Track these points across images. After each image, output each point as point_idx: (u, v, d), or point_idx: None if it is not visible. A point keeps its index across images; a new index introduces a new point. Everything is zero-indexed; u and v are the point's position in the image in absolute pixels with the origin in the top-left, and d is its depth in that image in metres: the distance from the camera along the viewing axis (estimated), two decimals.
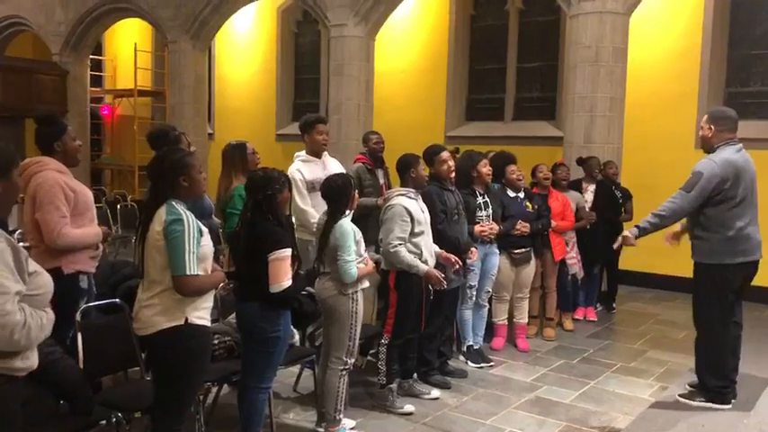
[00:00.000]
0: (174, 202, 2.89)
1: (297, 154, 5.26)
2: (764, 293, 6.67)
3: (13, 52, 13.94)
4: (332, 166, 5.18)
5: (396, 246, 4.17)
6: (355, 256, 3.78)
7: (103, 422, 3.04)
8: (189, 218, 2.85)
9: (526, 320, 5.87)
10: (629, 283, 7.90)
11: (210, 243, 2.98)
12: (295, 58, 12.34)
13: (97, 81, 14.41)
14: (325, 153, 5.25)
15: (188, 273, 2.79)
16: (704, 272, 4.35)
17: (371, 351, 4.70)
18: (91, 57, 13.49)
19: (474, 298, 5.23)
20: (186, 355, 2.89)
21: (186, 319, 2.87)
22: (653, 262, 7.75)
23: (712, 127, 4.35)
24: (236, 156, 4.87)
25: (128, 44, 13.71)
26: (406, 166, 4.41)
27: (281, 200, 3.45)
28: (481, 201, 5.16)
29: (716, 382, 4.40)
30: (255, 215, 3.41)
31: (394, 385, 4.41)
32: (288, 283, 3.34)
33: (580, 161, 6.87)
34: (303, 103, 12.18)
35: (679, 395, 4.57)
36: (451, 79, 10.19)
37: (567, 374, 5.21)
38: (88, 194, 3.76)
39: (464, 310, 5.22)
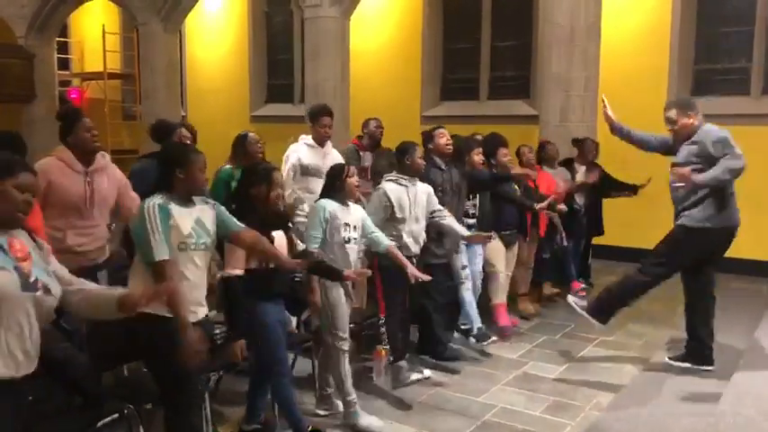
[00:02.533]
0: (156, 194, 2.97)
1: (303, 136, 5.51)
2: (735, 264, 6.92)
3: None
4: (332, 155, 5.42)
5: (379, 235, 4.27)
6: (336, 237, 3.91)
7: (116, 415, 3.10)
8: (151, 206, 2.90)
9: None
10: (603, 257, 8.07)
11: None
12: (267, 39, 12.25)
13: (64, 64, 14.14)
14: (329, 143, 5.46)
15: (159, 258, 2.85)
16: (688, 235, 4.57)
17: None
18: (57, 39, 13.22)
19: (470, 278, 5.32)
20: (157, 343, 2.92)
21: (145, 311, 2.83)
22: (624, 235, 7.96)
23: (690, 113, 4.56)
24: (237, 145, 5.05)
25: (95, 26, 13.47)
26: (402, 152, 4.55)
27: (257, 193, 3.53)
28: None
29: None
30: (237, 206, 3.54)
31: (404, 362, 4.56)
32: (236, 272, 3.36)
33: (575, 142, 7.00)
34: (277, 84, 12.14)
35: (667, 357, 4.91)
36: (426, 59, 10.24)
37: (550, 350, 5.40)
38: (68, 191, 3.73)
39: (464, 291, 5.30)
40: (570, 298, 4.99)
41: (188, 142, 4.73)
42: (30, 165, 2.41)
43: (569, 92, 7.50)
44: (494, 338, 5.35)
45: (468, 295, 5.34)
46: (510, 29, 9.77)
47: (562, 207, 6.14)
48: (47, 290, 2.28)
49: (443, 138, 5.00)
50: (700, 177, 4.38)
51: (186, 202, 3.04)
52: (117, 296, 2.36)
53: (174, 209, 2.96)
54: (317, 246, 3.89)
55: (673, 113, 4.62)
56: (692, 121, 4.56)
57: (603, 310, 4.81)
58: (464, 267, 5.28)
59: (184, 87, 12.61)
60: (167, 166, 3.05)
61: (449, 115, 9.88)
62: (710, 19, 8.39)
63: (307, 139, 5.46)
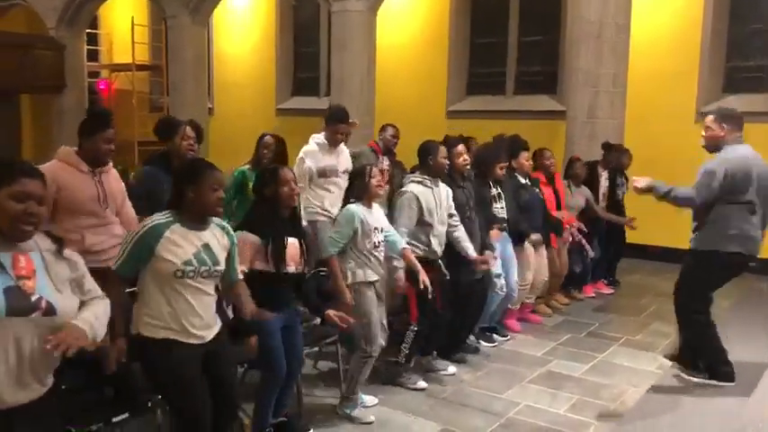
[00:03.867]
0: (167, 212, 2.86)
1: (314, 135, 5.43)
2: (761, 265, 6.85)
3: (5, 27, 13.79)
4: (345, 154, 5.44)
5: (402, 239, 4.26)
6: (368, 242, 3.92)
7: (144, 405, 3.16)
8: (147, 224, 2.81)
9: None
10: (627, 256, 8.01)
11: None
12: (294, 32, 12.29)
13: (93, 55, 14.31)
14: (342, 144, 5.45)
15: (113, 266, 2.81)
16: (698, 258, 4.49)
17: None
18: (86, 31, 13.39)
19: (504, 289, 5.23)
20: (151, 368, 2.87)
21: (138, 332, 2.84)
22: (650, 234, 7.89)
23: (725, 126, 4.39)
24: (256, 146, 5.18)
25: (124, 18, 13.60)
26: (425, 152, 4.49)
27: (270, 193, 3.46)
28: (495, 192, 5.23)
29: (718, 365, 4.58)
30: (255, 211, 3.55)
31: (410, 364, 4.56)
32: (241, 267, 3.24)
33: (606, 146, 6.93)
34: (303, 78, 12.18)
35: (683, 373, 4.70)
36: (452, 53, 10.22)
37: (575, 348, 5.38)
38: (81, 193, 3.65)
39: (492, 297, 5.25)
40: (684, 375, 4.67)
41: (191, 142, 4.51)
42: (36, 169, 2.21)
43: (597, 88, 7.45)
44: (496, 343, 5.37)
45: (494, 301, 5.27)
46: (537, 24, 9.70)
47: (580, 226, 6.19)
48: (50, 309, 2.11)
49: (461, 157, 4.79)
50: (663, 189, 4.37)
51: (198, 223, 2.88)
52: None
53: (177, 231, 2.82)
54: (335, 251, 3.89)
55: (710, 119, 4.47)
56: (720, 132, 4.39)
57: (715, 367, 4.57)
58: (498, 276, 5.17)
59: (211, 80, 12.70)
60: (179, 182, 2.91)
61: (474, 110, 9.88)
62: (742, 16, 8.27)
63: (318, 138, 5.38)
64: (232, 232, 3.07)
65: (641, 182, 4.42)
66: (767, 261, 5.77)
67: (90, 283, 2.37)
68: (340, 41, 9.39)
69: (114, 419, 3.02)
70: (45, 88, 12.75)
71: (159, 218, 2.85)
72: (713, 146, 4.46)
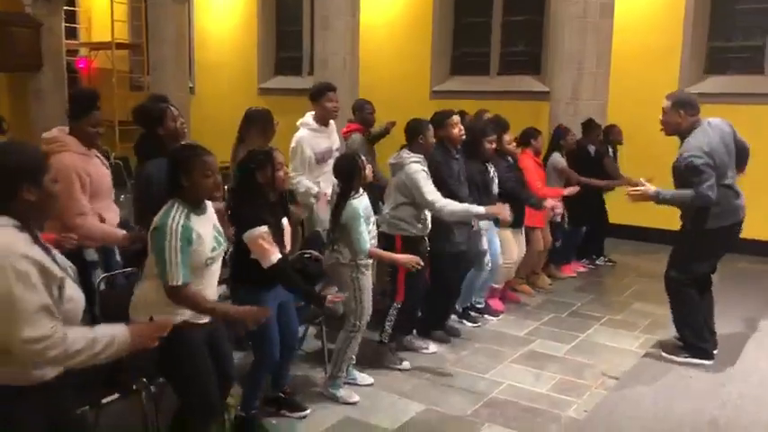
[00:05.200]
0: (175, 204, 2.84)
1: (302, 121, 5.29)
2: (742, 245, 6.92)
3: None
4: (335, 131, 5.28)
5: (441, 203, 4.26)
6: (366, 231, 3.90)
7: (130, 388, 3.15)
8: (175, 225, 2.76)
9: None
10: (608, 236, 8.04)
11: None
12: (276, 10, 12.14)
13: (72, 33, 14.05)
14: (332, 122, 5.31)
15: (173, 283, 2.73)
16: (692, 237, 4.56)
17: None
18: (64, 8, 13.12)
19: (490, 265, 5.25)
20: (167, 351, 2.77)
21: (151, 318, 2.79)
22: (632, 215, 7.94)
23: (681, 112, 4.48)
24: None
25: None
26: (415, 131, 4.44)
27: (263, 177, 3.39)
28: (491, 172, 5.20)
29: (695, 341, 4.66)
30: (237, 194, 3.53)
31: (393, 344, 4.59)
32: (276, 257, 3.28)
33: (586, 124, 6.99)
34: (285, 57, 12.05)
35: (663, 352, 4.80)
36: (437, 33, 10.14)
37: (557, 328, 5.43)
38: (105, 177, 3.77)
39: (476, 276, 5.27)
40: (664, 354, 4.75)
41: (182, 120, 4.14)
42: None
43: (581, 69, 7.45)
44: (480, 324, 5.39)
45: (477, 280, 5.29)
46: (522, 3, 9.64)
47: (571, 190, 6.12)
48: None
49: (456, 128, 4.77)
50: (663, 193, 4.42)
51: (200, 207, 2.92)
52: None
53: (194, 221, 2.84)
54: (367, 246, 3.88)
55: (668, 105, 4.54)
56: (678, 120, 4.49)
57: (696, 344, 4.65)
58: (484, 252, 5.17)
59: (192, 59, 12.52)
60: (172, 170, 2.91)
61: (458, 90, 9.84)
62: None
63: (307, 123, 5.25)
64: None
65: (649, 191, 4.43)
66: (744, 241, 5.86)
67: None
68: (323, 20, 9.29)
69: (103, 401, 3.03)
70: (21, 66, 12.49)
71: (174, 214, 2.81)
72: (672, 131, 4.58)
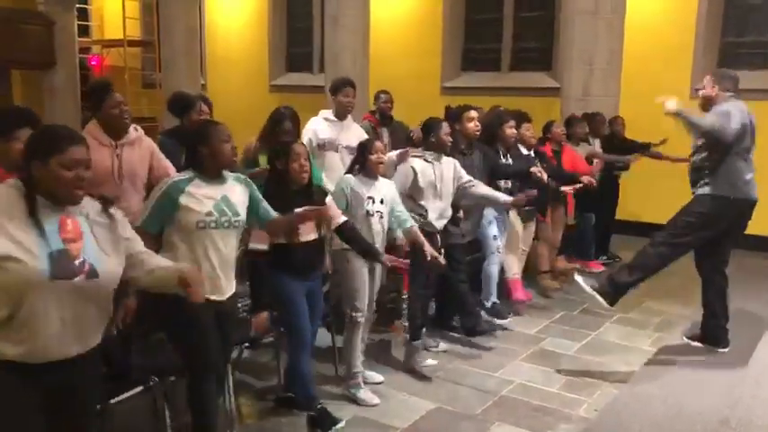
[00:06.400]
0: (187, 171, 3.04)
1: (323, 111, 5.47)
2: (751, 240, 6.86)
3: None
4: (353, 129, 5.39)
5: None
6: (360, 210, 3.96)
7: (141, 387, 3.17)
8: (168, 181, 3.01)
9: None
10: (619, 233, 7.99)
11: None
12: (287, 6, 12.14)
13: (84, 31, 14.11)
14: (349, 117, 5.43)
15: (136, 224, 2.82)
16: (712, 203, 4.57)
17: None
18: (77, 5, 13.18)
19: (501, 250, 5.29)
20: (169, 319, 3.01)
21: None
22: (643, 211, 7.91)
23: (716, 87, 4.51)
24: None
25: None
26: (428, 129, 4.53)
27: (281, 167, 3.58)
28: (505, 162, 5.25)
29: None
30: (266, 181, 3.64)
31: (419, 342, 4.53)
32: (262, 247, 3.49)
33: (586, 117, 6.97)
34: (296, 53, 12.06)
35: (686, 336, 4.93)
36: (447, 29, 10.11)
37: (568, 326, 5.42)
38: (95, 165, 3.64)
39: (490, 265, 5.29)
40: (578, 276, 4.82)
41: (207, 117, 4.61)
42: (79, 134, 2.33)
43: (592, 65, 7.41)
44: (510, 318, 5.35)
45: (494, 270, 5.31)
46: None
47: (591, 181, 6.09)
48: (93, 273, 2.20)
49: (472, 122, 4.90)
50: (685, 111, 4.41)
51: (215, 177, 3.06)
52: (176, 275, 2.41)
53: (197, 185, 2.99)
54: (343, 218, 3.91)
55: (706, 79, 4.64)
56: (711, 92, 4.56)
57: (616, 289, 4.66)
58: (495, 238, 5.25)
59: (204, 56, 12.56)
60: (191, 144, 3.09)
61: (469, 86, 9.81)
62: None
63: (326, 113, 5.43)
64: (249, 180, 3.25)
65: (672, 104, 4.41)
66: (756, 237, 5.83)
67: (138, 243, 2.48)
68: (334, 16, 9.28)
69: (112, 401, 3.04)
70: (35, 64, 12.56)
71: (179, 175, 3.06)
72: (705, 104, 4.60)
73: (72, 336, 2.23)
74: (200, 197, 2.99)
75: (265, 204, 3.28)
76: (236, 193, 3.12)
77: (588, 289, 4.65)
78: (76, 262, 2.18)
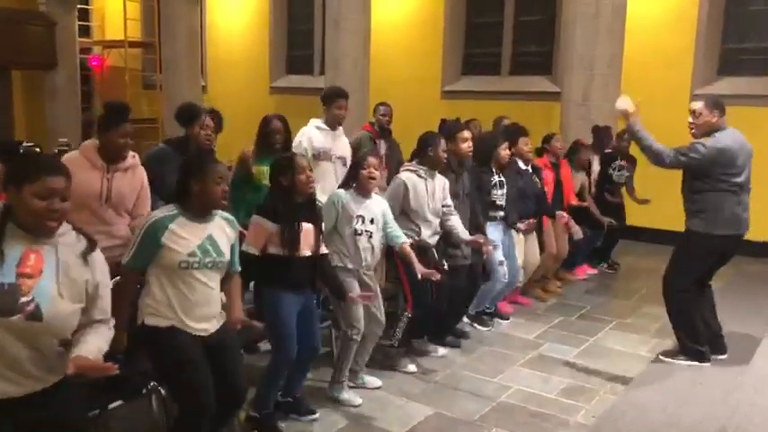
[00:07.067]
0: (172, 205, 2.98)
1: (313, 120, 5.40)
2: (750, 247, 6.88)
3: None
4: (343, 140, 5.39)
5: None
6: (348, 229, 3.93)
7: (140, 391, 3.17)
8: (151, 220, 2.92)
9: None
10: (621, 238, 8.01)
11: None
12: (288, 9, 12.15)
13: (85, 31, 14.11)
14: (340, 127, 5.38)
15: (122, 261, 2.91)
16: (692, 239, 4.56)
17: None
18: (78, 6, 13.18)
19: (507, 276, 5.28)
20: (156, 355, 2.97)
21: (143, 321, 2.94)
22: (645, 217, 7.90)
23: (716, 112, 4.47)
24: None
25: None
26: (425, 143, 4.46)
27: (286, 181, 3.53)
28: (497, 180, 5.23)
29: (691, 344, 4.68)
30: (269, 194, 3.67)
31: (403, 348, 4.59)
32: (252, 251, 3.46)
33: (596, 129, 6.99)
34: (297, 56, 12.07)
35: (661, 354, 4.82)
36: (448, 32, 10.12)
37: (566, 331, 5.42)
38: (83, 187, 3.46)
39: (493, 285, 5.27)
40: (661, 357, 4.78)
41: (209, 132, 4.59)
42: (59, 164, 2.28)
43: (592, 70, 7.42)
44: (491, 328, 5.38)
45: (495, 289, 5.30)
46: (534, 3, 9.62)
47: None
48: (35, 315, 2.10)
49: (465, 143, 4.75)
50: (637, 124, 4.52)
51: (202, 216, 2.99)
52: (72, 355, 2.20)
53: (181, 223, 2.92)
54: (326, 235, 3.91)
55: (700, 105, 4.51)
56: (711, 119, 4.47)
57: (691, 346, 4.66)
58: (501, 263, 5.20)
59: (204, 57, 12.56)
60: (183, 175, 3.00)
61: (469, 90, 9.83)
62: None
63: (317, 122, 5.35)
64: (236, 224, 3.19)
65: (623, 103, 4.55)
66: (755, 243, 5.82)
67: (105, 302, 2.38)
68: (335, 19, 9.28)
69: (110, 406, 3.04)
70: (36, 64, 12.57)
71: (164, 211, 2.97)
72: (705, 131, 4.50)
73: (30, 371, 2.16)
74: (185, 235, 2.91)
75: (236, 258, 3.20)
76: (221, 232, 3.05)
77: (679, 361, 4.68)
78: (23, 299, 2.08)
